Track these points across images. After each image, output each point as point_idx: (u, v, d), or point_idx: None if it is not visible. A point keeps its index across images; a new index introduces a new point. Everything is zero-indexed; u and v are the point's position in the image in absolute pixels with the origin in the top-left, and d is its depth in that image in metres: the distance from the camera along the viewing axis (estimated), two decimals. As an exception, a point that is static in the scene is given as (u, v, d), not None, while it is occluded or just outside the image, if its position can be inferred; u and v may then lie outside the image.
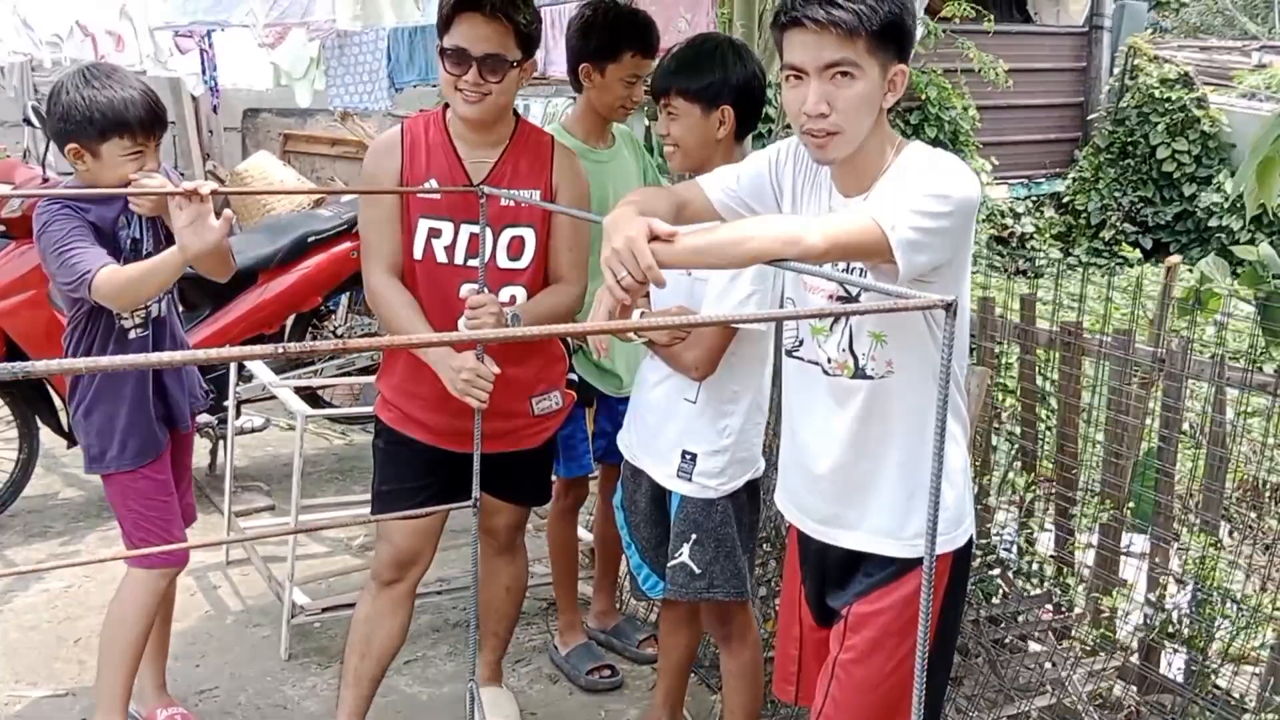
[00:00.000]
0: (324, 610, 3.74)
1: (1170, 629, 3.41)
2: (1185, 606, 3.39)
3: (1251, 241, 9.70)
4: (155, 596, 2.97)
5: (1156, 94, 11.55)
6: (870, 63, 1.95)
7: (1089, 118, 12.55)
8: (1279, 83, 10.96)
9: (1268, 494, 3.50)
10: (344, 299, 5.45)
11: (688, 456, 2.70)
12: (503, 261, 2.78)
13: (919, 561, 2.13)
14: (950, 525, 2.15)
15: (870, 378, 2.09)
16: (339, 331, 5.48)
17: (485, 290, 2.67)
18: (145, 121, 2.70)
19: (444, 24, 2.69)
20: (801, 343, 2.20)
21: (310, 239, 5.04)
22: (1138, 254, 10.60)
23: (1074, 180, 12.14)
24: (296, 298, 5.04)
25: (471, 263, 2.76)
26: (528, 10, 2.73)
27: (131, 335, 2.89)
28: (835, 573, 2.27)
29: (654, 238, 1.85)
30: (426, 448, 2.87)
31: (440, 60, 2.70)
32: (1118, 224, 11.66)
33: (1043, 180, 12.36)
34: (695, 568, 2.72)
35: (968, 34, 10.50)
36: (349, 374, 5.23)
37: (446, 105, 2.82)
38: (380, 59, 5.28)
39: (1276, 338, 2.39)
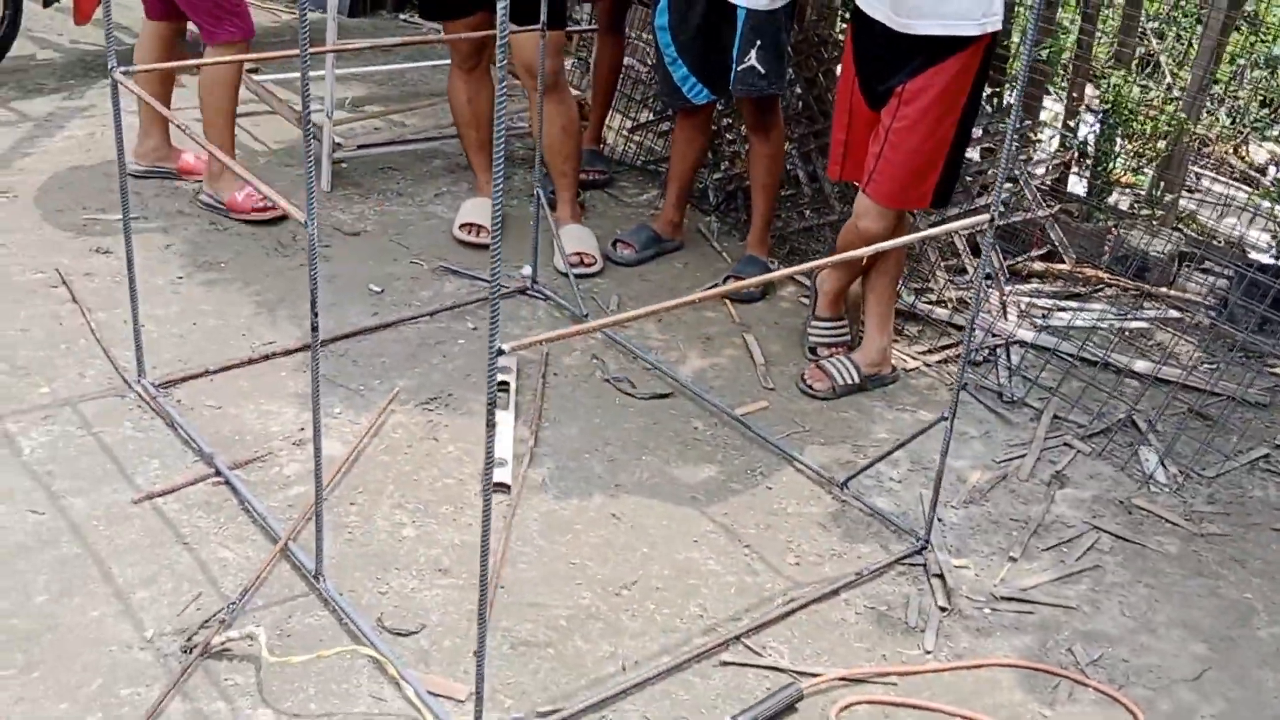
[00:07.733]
0: (359, 148, 4.11)
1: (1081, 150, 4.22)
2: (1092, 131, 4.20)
3: None
4: (238, 65, 3.59)
5: None
6: None
7: None
8: None
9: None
10: None
11: None
12: None
13: (966, 42, 2.69)
14: (992, 7, 2.68)
15: None
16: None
17: None
18: None
19: None
20: None
21: None
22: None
23: None
24: None
25: None
26: None
27: None
28: (892, 58, 2.78)
29: None
30: None
31: None
32: None
33: None
34: (761, 69, 3.25)
35: None
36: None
37: None
38: None
39: None
